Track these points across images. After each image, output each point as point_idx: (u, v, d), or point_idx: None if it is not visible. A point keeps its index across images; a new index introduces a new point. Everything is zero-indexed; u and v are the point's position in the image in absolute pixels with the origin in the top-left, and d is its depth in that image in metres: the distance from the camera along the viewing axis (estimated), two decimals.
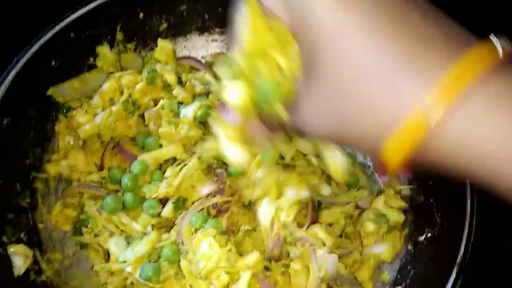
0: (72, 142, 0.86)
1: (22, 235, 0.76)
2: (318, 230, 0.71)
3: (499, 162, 0.35)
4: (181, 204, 0.75)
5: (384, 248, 0.78)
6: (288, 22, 0.43)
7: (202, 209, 0.74)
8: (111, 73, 0.88)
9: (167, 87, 0.88)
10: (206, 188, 0.76)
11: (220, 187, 0.76)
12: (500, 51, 0.35)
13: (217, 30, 0.99)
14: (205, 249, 0.68)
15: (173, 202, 0.75)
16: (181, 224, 0.73)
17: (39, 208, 0.82)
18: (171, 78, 0.86)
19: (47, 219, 0.82)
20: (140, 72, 0.87)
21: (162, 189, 0.74)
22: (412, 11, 0.38)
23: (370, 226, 0.78)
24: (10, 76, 0.75)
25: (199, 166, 0.75)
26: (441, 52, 0.36)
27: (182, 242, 0.71)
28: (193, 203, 0.75)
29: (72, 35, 0.82)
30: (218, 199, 0.75)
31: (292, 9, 0.42)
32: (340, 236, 0.81)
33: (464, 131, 0.35)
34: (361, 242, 0.81)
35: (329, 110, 0.41)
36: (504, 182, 0.35)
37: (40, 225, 0.81)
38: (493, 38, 0.36)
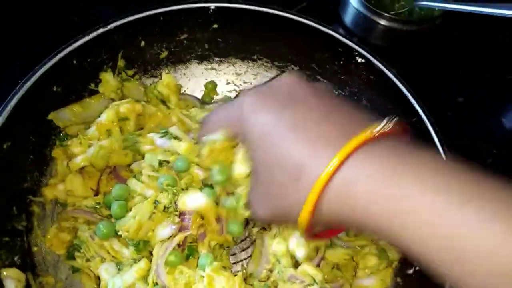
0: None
1: (16, 259, 0.77)
2: (309, 268, 0.72)
3: (372, 213, 0.47)
4: (141, 247, 0.73)
5: (374, 281, 0.78)
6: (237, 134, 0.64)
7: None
8: (112, 99, 0.90)
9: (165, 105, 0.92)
10: (166, 231, 0.71)
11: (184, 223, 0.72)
12: (376, 129, 0.49)
13: (216, 59, 1.02)
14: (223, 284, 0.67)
15: (133, 245, 0.72)
16: (157, 265, 0.70)
17: (35, 231, 0.83)
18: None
19: (42, 243, 0.83)
20: (140, 101, 0.88)
21: (121, 232, 0.72)
22: (322, 105, 0.54)
23: (372, 260, 0.78)
24: (13, 102, 0.77)
25: (151, 209, 0.71)
26: (337, 135, 0.50)
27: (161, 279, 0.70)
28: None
29: (74, 61, 0.85)
30: (180, 237, 0.71)
31: (236, 123, 0.61)
32: (332, 267, 0.81)
33: (347, 182, 0.47)
34: (355, 274, 0.82)
35: (264, 201, 0.59)
36: (392, 235, 0.46)
37: (35, 248, 0.82)
38: (381, 120, 0.50)
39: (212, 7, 0.91)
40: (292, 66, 1.00)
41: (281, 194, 0.53)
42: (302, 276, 0.71)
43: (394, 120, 0.50)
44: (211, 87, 1.02)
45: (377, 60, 0.90)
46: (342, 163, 0.47)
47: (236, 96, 1.03)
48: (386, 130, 0.49)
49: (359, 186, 0.47)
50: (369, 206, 0.46)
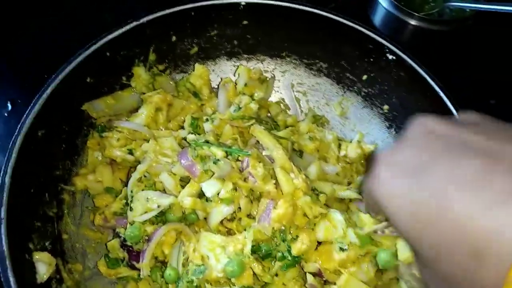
0: (100, 158, 0.89)
1: (47, 244, 0.78)
2: None
3: None
4: None
5: None
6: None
7: None
8: (143, 93, 0.91)
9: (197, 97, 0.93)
10: None
11: None
12: None
13: (245, 56, 1.03)
14: None
15: None
16: None
17: (65, 218, 0.84)
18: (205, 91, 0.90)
19: (71, 231, 0.85)
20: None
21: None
22: None
23: None
24: (48, 91, 0.79)
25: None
26: None
27: None
28: None
29: (108, 54, 0.87)
30: None
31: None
32: None
33: None
34: None
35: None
36: None
37: (65, 236, 0.83)
38: None
39: (243, 3, 0.92)
40: (321, 63, 1.00)
41: (455, 276, 0.40)
42: None
43: None
44: None
45: (409, 57, 0.89)
46: None
47: None
48: None
49: None
50: None
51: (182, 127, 0.93)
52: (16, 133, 0.75)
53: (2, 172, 0.72)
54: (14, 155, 0.73)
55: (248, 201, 0.82)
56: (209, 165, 0.80)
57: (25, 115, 0.77)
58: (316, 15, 0.93)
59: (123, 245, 0.83)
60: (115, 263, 0.84)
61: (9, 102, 1.07)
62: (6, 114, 1.06)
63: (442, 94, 0.85)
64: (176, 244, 0.85)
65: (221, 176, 0.79)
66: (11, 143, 0.74)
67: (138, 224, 0.81)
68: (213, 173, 0.80)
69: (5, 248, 0.67)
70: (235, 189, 0.80)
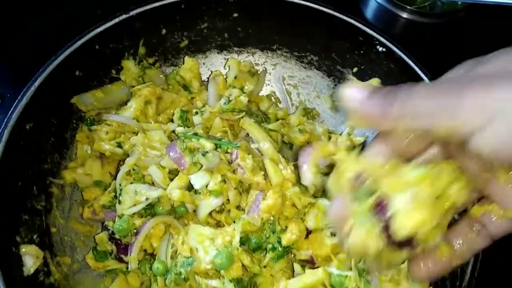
0: (89, 151, 0.89)
1: (34, 237, 0.78)
2: None
3: None
4: None
5: None
6: None
7: None
8: (133, 86, 0.91)
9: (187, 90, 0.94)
10: None
11: None
12: None
13: (236, 49, 1.02)
14: None
15: None
16: None
17: (53, 212, 0.84)
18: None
19: (60, 224, 0.84)
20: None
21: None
22: None
23: None
24: (36, 83, 0.78)
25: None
26: None
27: None
28: None
29: (97, 47, 0.86)
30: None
31: None
32: None
33: None
34: None
35: None
36: None
37: (53, 229, 0.83)
38: None
39: None
40: (312, 56, 1.00)
41: None
42: None
43: None
44: None
45: (398, 49, 0.89)
46: None
47: None
48: None
49: None
50: None
51: (172, 120, 0.93)
52: (3, 126, 0.75)
53: None
54: (1, 148, 0.73)
55: (237, 193, 0.81)
56: (197, 157, 0.80)
57: (12, 108, 0.77)
58: (307, 7, 0.93)
59: (111, 238, 0.82)
60: (103, 256, 0.84)
61: None
62: None
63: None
64: (164, 237, 0.85)
65: (209, 168, 0.79)
66: None
67: (127, 217, 0.81)
68: (202, 166, 0.80)
69: None
70: (223, 181, 0.80)
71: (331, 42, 0.97)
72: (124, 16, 0.87)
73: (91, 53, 0.86)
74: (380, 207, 0.46)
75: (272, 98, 1.06)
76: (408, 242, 0.46)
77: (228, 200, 0.81)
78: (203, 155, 0.79)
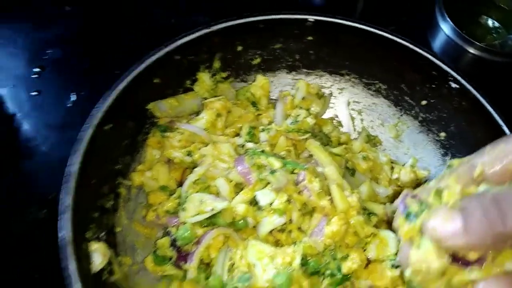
0: (158, 156, 0.91)
1: (101, 235, 0.80)
2: None
3: None
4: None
5: None
6: None
7: None
8: (205, 98, 0.94)
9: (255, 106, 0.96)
10: None
11: None
12: None
13: (304, 70, 1.04)
14: None
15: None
16: None
17: (120, 212, 0.86)
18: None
19: (124, 224, 0.87)
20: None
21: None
22: None
23: None
24: (120, 86, 0.82)
25: None
26: None
27: None
28: None
29: (177, 57, 0.89)
30: None
31: None
32: None
33: None
34: None
35: None
36: None
37: (118, 229, 0.85)
38: None
39: (311, 20, 0.94)
40: (380, 84, 1.00)
41: None
42: None
43: None
44: None
45: (473, 87, 0.88)
46: None
47: None
48: None
49: None
50: None
51: (238, 134, 0.95)
52: (86, 124, 0.78)
53: (70, 160, 0.75)
54: (84, 145, 0.76)
55: (300, 214, 0.82)
56: (265, 174, 0.81)
57: (95, 108, 0.80)
58: (380, 36, 0.94)
59: (173, 244, 0.84)
60: (163, 260, 0.86)
61: (73, 94, 1.11)
62: (69, 105, 1.10)
63: (505, 128, 0.84)
64: (222, 248, 0.86)
65: (277, 188, 0.80)
66: (80, 133, 0.77)
67: (190, 225, 0.82)
68: (267, 183, 0.81)
69: (69, 235, 0.69)
70: (288, 201, 0.81)
71: (402, 73, 0.97)
72: (205, 31, 0.90)
73: (170, 63, 0.89)
74: None
75: (334, 121, 1.06)
76: (476, 259, 0.44)
77: (291, 220, 0.81)
78: (272, 173, 0.80)
